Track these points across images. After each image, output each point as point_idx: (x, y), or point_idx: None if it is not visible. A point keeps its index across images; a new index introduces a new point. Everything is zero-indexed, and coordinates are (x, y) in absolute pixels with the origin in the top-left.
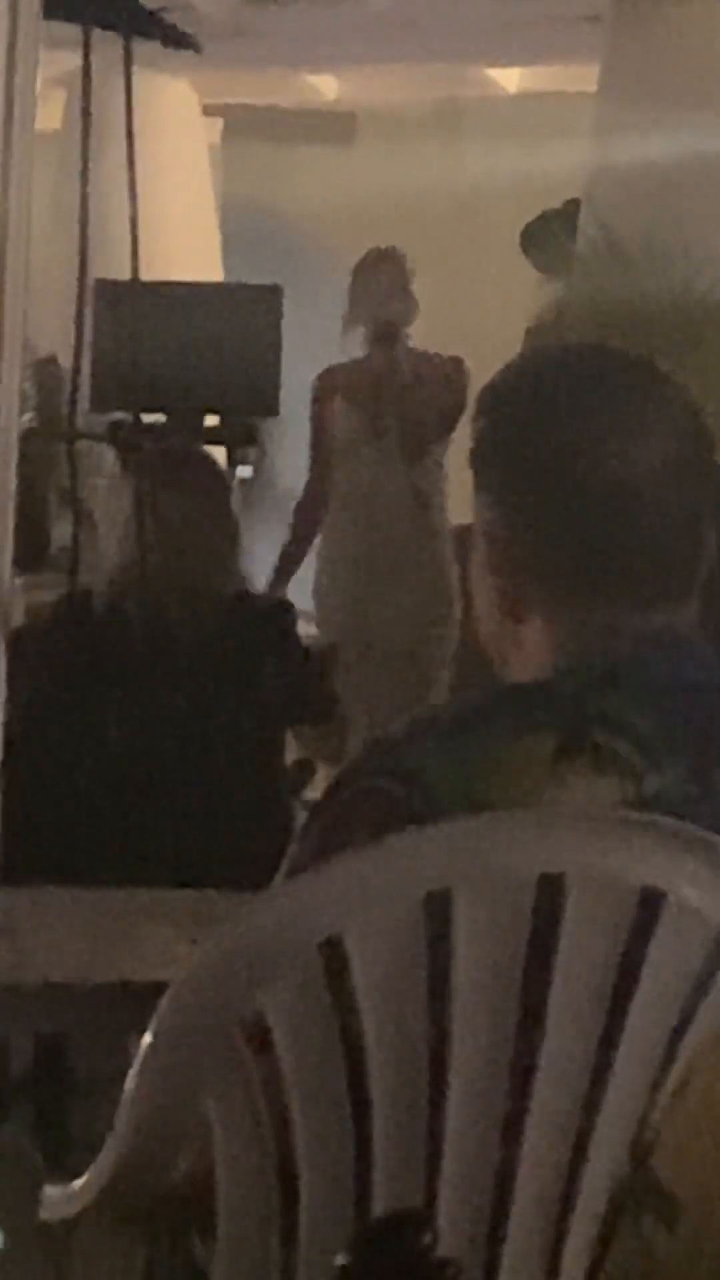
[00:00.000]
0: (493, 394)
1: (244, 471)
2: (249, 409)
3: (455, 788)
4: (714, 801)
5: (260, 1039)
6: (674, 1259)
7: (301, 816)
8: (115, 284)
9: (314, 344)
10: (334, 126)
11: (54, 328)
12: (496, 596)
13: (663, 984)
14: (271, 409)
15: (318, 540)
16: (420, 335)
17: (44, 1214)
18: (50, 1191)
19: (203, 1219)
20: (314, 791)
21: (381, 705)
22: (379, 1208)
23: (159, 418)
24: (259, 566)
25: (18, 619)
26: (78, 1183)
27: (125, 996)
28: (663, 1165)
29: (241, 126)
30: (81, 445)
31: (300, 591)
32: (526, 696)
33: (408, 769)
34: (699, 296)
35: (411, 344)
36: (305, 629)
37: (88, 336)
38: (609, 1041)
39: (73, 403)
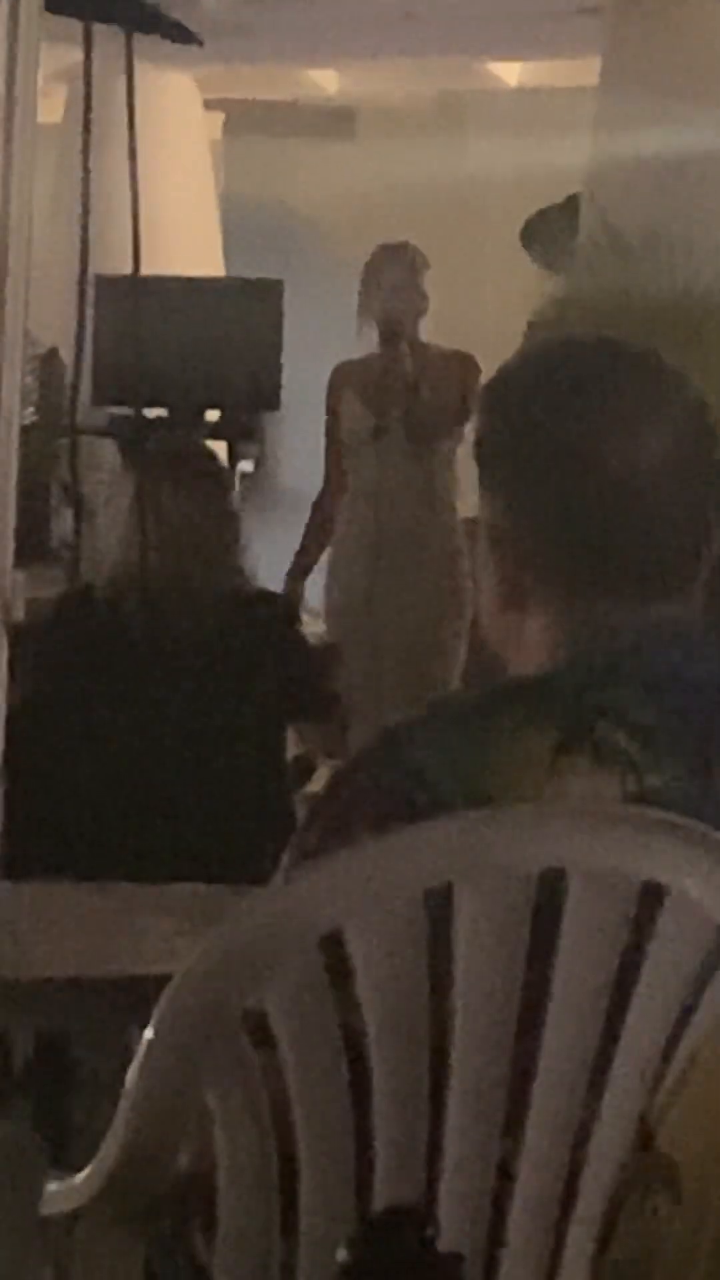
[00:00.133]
0: (495, 388)
1: (245, 466)
2: (250, 404)
3: (457, 782)
4: (715, 796)
5: (261, 1033)
6: (678, 1227)
7: (302, 812)
8: (116, 279)
9: (315, 339)
10: (335, 121)
11: (55, 322)
12: (499, 590)
13: (664, 979)
14: (272, 404)
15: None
16: (421, 329)
17: (45, 1209)
18: (51, 1186)
19: (203, 1213)
20: (315, 787)
21: (392, 701)
22: (380, 1202)
23: (160, 412)
24: (260, 561)
25: (19, 614)
26: (79, 1177)
27: (126, 991)
28: (667, 1134)
29: (242, 121)
30: (83, 440)
31: (312, 588)
32: (528, 691)
33: (410, 764)
34: (700, 291)
35: (424, 339)
36: (315, 626)
37: (89, 331)
38: (610, 1036)
39: (74, 397)
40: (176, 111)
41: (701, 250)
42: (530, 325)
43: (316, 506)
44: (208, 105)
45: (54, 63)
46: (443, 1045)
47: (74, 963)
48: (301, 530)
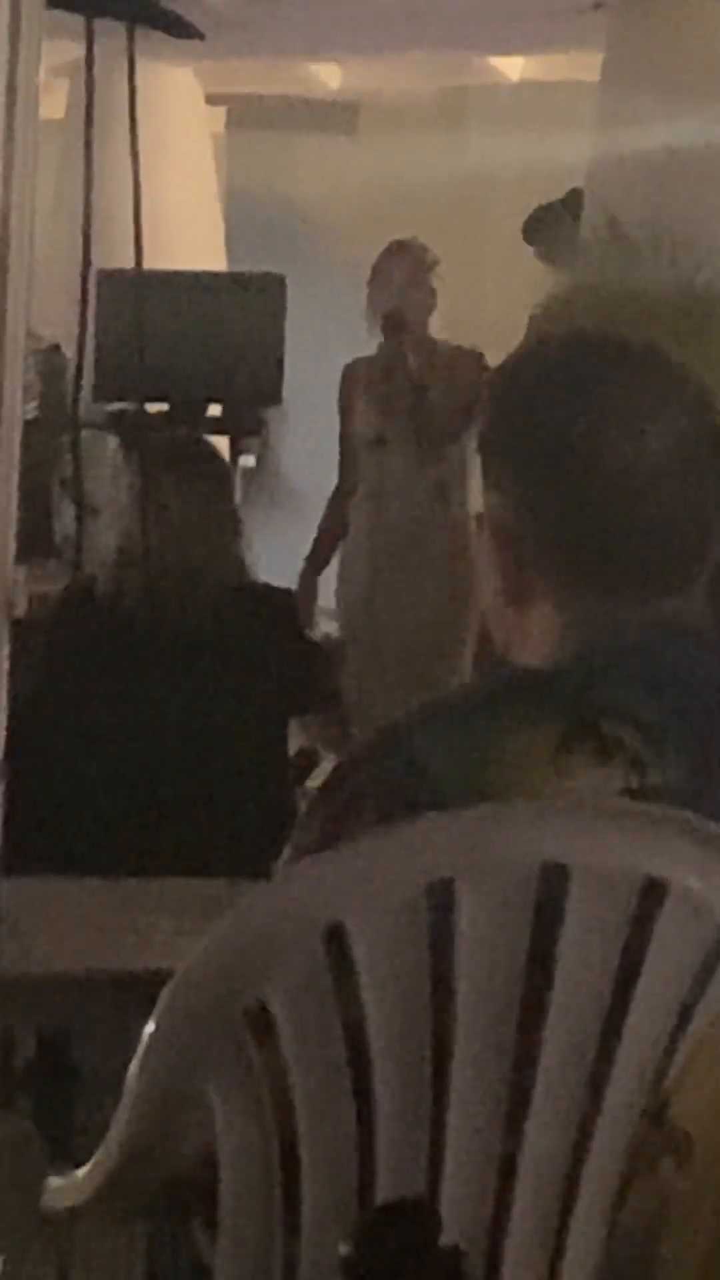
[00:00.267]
0: (499, 383)
1: (247, 461)
2: (252, 398)
3: (460, 776)
4: (718, 792)
5: (263, 1027)
6: (685, 1192)
7: (304, 807)
8: (118, 273)
9: (317, 333)
10: (337, 116)
11: (57, 317)
12: (502, 584)
13: (665, 973)
14: (275, 398)
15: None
16: (432, 327)
17: (46, 1205)
18: (53, 1181)
19: (205, 1207)
20: (316, 782)
21: (398, 700)
22: (382, 1196)
23: (162, 407)
24: (262, 557)
25: (21, 608)
26: (80, 1172)
27: (128, 987)
28: (675, 1103)
29: (245, 116)
30: (85, 435)
31: (323, 587)
32: (532, 685)
33: (413, 757)
34: (703, 285)
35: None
36: (330, 627)
37: (91, 326)
38: (612, 1030)
39: (76, 392)
40: (179, 106)
41: (703, 245)
42: (532, 320)
43: (330, 505)
44: (210, 100)
45: (55, 58)
46: (445, 1040)
47: (76, 958)
48: (303, 526)
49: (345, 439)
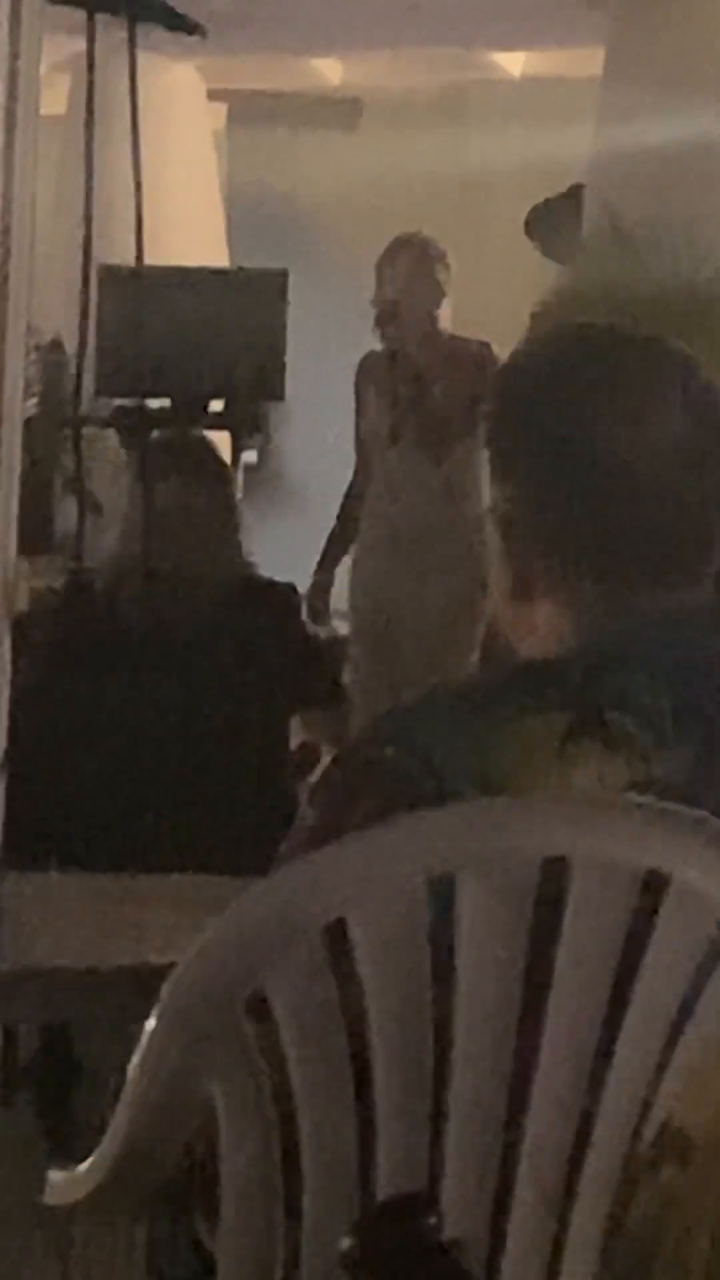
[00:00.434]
0: (505, 375)
1: (249, 457)
2: (254, 394)
3: (464, 765)
4: None
5: (264, 1021)
6: (686, 1192)
7: (304, 798)
8: (120, 269)
9: (319, 329)
10: (339, 111)
11: (59, 313)
12: (509, 576)
13: (666, 967)
14: (277, 394)
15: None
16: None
17: (48, 1199)
18: (54, 1176)
19: (207, 1202)
20: (318, 776)
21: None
22: (383, 1190)
23: (164, 403)
24: (263, 552)
25: (22, 604)
26: (81, 1167)
27: (129, 981)
28: (676, 1104)
29: (246, 111)
30: (86, 431)
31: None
32: (537, 675)
33: (416, 743)
34: (705, 281)
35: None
36: (340, 626)
37: (92, 322)
38: (613, 1023)
39: (77, 388)
40: (180, 102)
41: (705, 240)
42: (534, 316)
43: (345, 500)
44: (211, 95)
45: (57, 53)
46: (446, 1033)
47: (77, 954)
48: (305, 522)
49: (359, 432)
